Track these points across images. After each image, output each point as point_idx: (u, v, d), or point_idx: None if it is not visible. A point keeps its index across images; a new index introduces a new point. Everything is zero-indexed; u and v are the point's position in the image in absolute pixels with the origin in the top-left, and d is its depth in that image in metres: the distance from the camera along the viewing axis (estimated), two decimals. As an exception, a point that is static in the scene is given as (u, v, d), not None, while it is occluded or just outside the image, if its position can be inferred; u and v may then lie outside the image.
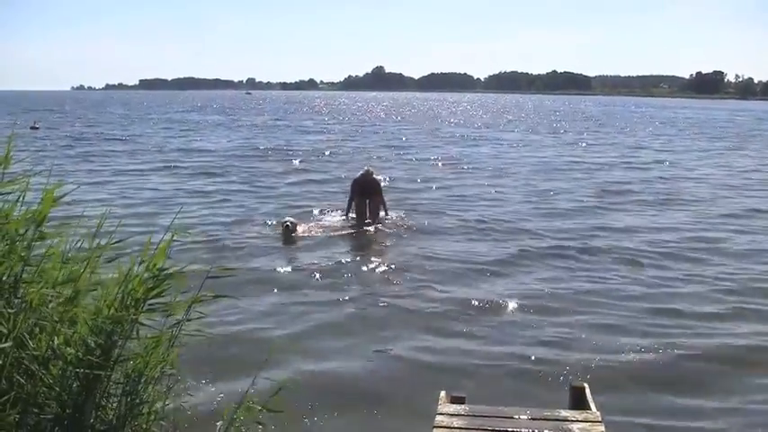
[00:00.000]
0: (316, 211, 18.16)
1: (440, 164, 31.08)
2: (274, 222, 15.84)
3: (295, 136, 47.70)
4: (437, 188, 23.34)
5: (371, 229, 16.06)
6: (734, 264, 13.48)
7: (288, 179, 24.90)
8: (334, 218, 17.36)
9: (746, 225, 17.54)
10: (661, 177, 26.94)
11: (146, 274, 4.38)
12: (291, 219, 15.11)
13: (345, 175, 23.59)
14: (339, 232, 15.82)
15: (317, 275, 12.24)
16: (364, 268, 12.73)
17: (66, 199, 4.80)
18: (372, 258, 13.42)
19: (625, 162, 32.50)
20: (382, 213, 17.00)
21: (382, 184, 18.11)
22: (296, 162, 30.54)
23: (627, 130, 60.28)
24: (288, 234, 14.68)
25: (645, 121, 78.51)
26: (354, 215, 16.96)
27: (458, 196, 21.61)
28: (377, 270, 12.67)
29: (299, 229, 15.03)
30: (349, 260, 13.26)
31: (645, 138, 49.91)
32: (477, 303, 10.83)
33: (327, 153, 34.48)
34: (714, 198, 21.99)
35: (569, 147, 41.45)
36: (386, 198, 17.43)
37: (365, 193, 16.96)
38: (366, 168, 17.77)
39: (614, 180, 25.84)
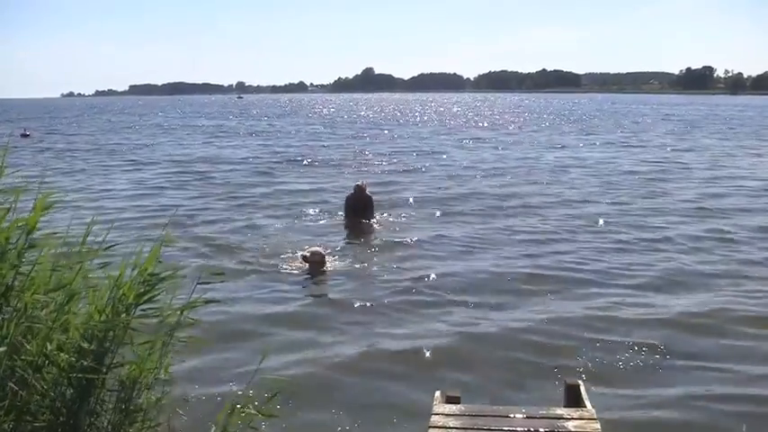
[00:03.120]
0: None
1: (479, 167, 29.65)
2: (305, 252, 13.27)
3: (308, 142, 45.59)
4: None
5: (365, 232, 16.04)
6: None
7: (309, 193, 22.58)
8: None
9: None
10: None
11: (136, 280, 4.37)
12: (318, 248, 13.14)
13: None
14: (337, 236, 15.73)
15: (311, 281, 12.23)
16: (358, 272, 12.68)
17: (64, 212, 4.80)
18: (365, 262, 13.38)
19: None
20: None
21: (374, 198, 17.57)
22: (318, 172, 28.50)
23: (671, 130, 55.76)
24: (316, 267, 12.66)
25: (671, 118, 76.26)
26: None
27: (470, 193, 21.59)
28: (370, 273, 12.65)
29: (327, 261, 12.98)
30: (342, 264, 13.17)
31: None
32: (472, 304, 10.84)
33: (351, 161, 31.97)
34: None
35: (621, 148, 39.42)
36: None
37: (358, 210, 16.80)
38: (357, 183, 17.53)
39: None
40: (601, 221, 17.10)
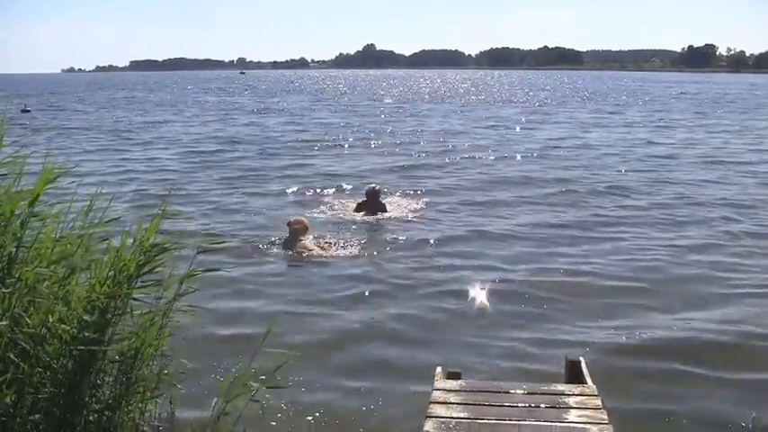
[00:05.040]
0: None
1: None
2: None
3: (324, 120, 43.81)
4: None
5: (377, 220, 15.09)
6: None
7: (327, 177, 21.07)
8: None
9: None
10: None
11: (137, 250, 4.37)
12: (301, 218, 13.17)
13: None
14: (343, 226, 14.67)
15: (315, 253, 12.24)
16: (364, 248, 12.64)
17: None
18: (373, 239, 13.40)
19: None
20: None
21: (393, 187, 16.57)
22: (336, 153, 27.15)
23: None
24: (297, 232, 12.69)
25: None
26: None
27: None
28: (378, 249, 12.65)
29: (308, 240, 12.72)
30: (348, 241, 13.07)
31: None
32: (474, 280, 10.85)
33: (371, 143, 30.62)
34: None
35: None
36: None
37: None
38: (371, 186, 16.03)
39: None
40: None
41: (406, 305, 9.93)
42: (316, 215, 15.29)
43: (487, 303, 9.93)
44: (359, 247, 12.80)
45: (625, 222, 14.97)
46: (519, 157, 25.43)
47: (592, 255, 12.29)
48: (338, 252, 12.56)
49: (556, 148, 28.23)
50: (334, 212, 15.89)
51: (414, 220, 15.20)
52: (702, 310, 9.73)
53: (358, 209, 15.53)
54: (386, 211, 15.45)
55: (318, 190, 18.71)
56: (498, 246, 13.15)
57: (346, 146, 29.73)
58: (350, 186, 19.02)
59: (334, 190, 18.65)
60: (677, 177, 20.74)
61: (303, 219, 13.08)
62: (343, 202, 16.87)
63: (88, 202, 4.87)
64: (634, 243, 13.16)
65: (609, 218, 15.35)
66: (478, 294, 10.25)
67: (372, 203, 15.45)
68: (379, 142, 30.74)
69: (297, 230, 12.64)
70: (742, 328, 9.02)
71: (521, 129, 37.28)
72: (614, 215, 15.63)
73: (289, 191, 18.75)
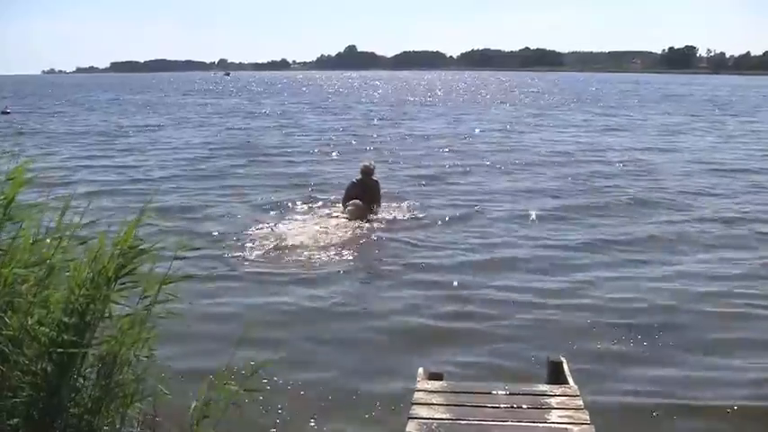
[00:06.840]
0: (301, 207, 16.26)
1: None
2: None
3: (319, 123, 42.37)
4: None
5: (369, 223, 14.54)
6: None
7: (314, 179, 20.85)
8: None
9: None
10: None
11: (116, 253, 4.34)
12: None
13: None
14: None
15: (294, 255, 12.23)
16: (346, 248, 12.66)
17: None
18: (363, 242, 13.28)
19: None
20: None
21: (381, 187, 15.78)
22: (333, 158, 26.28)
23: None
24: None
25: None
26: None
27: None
28: (361, 249, 12.71)
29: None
30: (330, 241, 13.10)
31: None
32: (457, 281, 10.91)
33: (372, 146, 29.44)
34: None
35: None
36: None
37: (361, 201, 14.80)
38: (364, 164, 15.70)
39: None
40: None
41: (390, 307, 9.92)
42: (307, 221, 14.93)
43: (473, 306, 9.95)
44: (347, 250, 12.66)
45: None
46: (520, 163, 24.72)
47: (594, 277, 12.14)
48: (327, 255, 12.38)
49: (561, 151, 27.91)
50: (327, 216, 15.27)
51: (406, 223, 14.96)
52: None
53: (348, 192, 15.17)
54: (378, 192, 15.42)
55: (309, 195, 18.08)
56: (495, 247, 13.19)
57: (343, 151, 28.44)
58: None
59: (324, 196, 17.74)
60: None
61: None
62: (337, 206, 15.93)
63: (65, 205, 4.83)
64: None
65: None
66: (465, 296, 10.29)
67: (365, 183, 15.21)
68: (374, 147, 29.71)
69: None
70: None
71: (520, 132, 36.46)
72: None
73: (275, 196, 18.10)
